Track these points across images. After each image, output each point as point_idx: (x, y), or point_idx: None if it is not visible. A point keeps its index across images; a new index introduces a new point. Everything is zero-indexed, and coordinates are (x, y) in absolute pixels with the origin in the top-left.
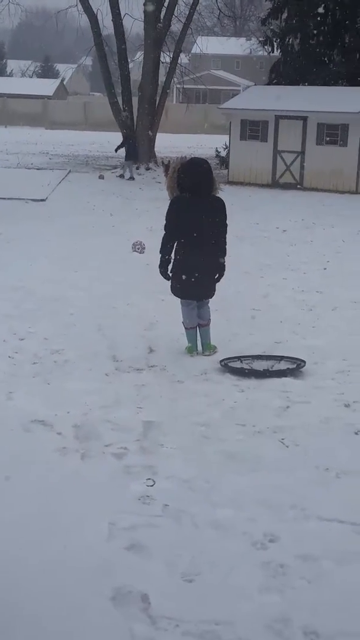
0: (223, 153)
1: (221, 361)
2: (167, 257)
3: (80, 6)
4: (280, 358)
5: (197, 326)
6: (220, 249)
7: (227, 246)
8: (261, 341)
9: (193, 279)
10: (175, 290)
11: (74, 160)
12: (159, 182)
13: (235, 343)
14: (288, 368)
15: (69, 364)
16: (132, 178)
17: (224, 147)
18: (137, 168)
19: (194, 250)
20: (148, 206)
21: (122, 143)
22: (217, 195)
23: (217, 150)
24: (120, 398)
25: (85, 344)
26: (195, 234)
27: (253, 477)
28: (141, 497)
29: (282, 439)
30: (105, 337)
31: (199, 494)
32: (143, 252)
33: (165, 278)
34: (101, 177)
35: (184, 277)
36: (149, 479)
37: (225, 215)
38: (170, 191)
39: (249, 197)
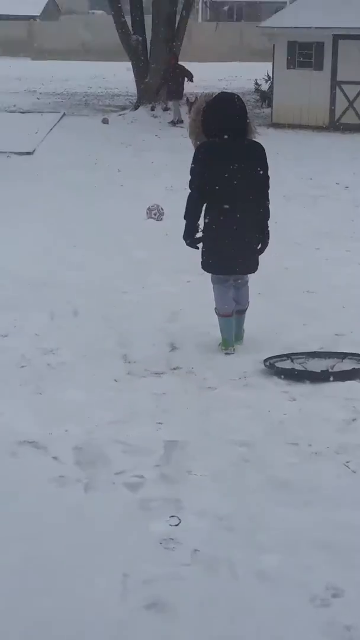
0: (265, 87)
1: (266, 360)
2: (194, 222)
3: None
4: (344, 355)
5: (235, 313)
6: (262, 208)
7: (270, 205)
8: (318, 333)
9: (229, 249)
10: (206, 265)
11: (69, 100)
12: (181, 127)
13: (283, 336)
14: (354, 369)
15: (67, 367)
16: (180, 121)
17: (266, 78)
18: (152, 109)
19: (229, 211)
20: (167, 159)
21: (162, 80)
22: (254, 139)
23: (256, 83)
24: (135, 411)
25: (88, 340)
26: (229, 190)
27: (309, 513)
28: (163, 541)
29: (347, 462)
30: (113, 331)
31: (239, 535)
32: (161, 219)
33: (193, 247)
34: (105, 121)
35: (216, 246)
36: (173, 516)
37: (267, 164)
38: (195, 137)
39: (299, 144)
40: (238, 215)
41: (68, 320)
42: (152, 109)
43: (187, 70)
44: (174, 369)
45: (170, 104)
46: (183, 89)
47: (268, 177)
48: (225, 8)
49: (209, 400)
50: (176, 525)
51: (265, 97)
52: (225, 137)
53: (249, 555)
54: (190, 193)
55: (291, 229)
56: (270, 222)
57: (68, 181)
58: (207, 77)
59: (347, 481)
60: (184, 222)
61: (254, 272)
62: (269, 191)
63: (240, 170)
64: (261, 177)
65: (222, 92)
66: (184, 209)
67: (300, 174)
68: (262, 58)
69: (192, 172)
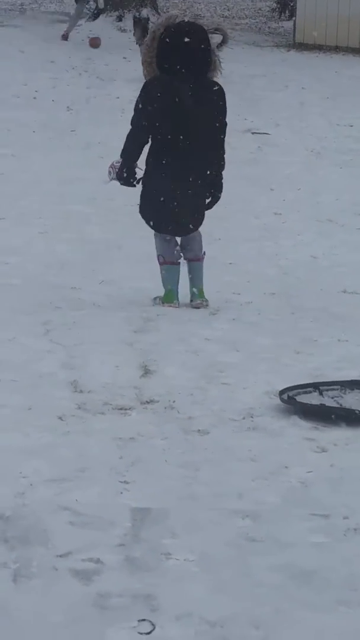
0: None
1: (282, 392)
2: (130, 164)
3: None
4: None
5: (188, 261)
6: (214, 157)
7: (224, 156)
8: (359, 353)
9: (167, 205)
10: (142, 214)
11: None
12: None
13: (309, 357)
14: None
15: None
16: (64, 36)
17: None
18: (119, 19)
19: (172, 161)
20: (137, 91)
21: None
22: (214, 79)
23: None
24: (88, 464)
25: (20, 359)
26: (174, 136)
27: (344, 617)
28: None
29: None
30: (57, 345)
31: None
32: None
33: (128, 186)
34: (65, 37)
35: (153, 199)
36: (144, 620)
37: (225, 108)
38: (147, 68)
39: (335, 75)
40: (182, 167)
41: None
42: (119, 18)
43: None
44: (147, 402)
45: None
46: None
47: (225, 124)
48: None
49: (197, 450)
50: (148, 633)
51: (286, 5)
52: (178, 73)
53: None
54: (130, 130)
55: (322, 199)
56: (292, 183)
57: None
58: None
59: None
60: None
61: (198, 229)
62: (225, 139)
63: (190, 115)
64: (216, 122)
65: (182, 21)
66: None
67: (336, 120)
68: None
69: (135, 108)
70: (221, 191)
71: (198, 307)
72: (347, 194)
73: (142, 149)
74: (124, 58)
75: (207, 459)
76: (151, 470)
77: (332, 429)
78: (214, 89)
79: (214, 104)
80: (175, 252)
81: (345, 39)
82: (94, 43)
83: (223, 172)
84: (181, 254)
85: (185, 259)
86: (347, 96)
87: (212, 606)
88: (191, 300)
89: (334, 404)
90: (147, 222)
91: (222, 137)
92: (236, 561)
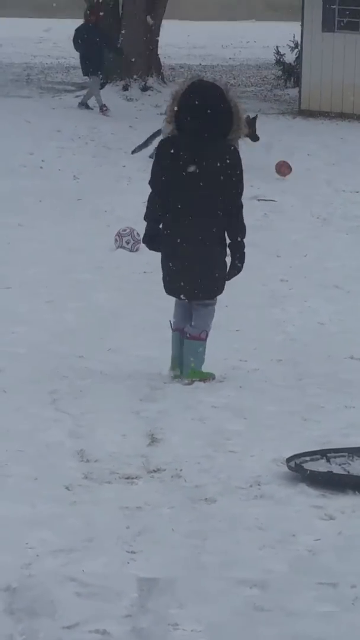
0: (290, 57)
1: (290, 460)
2: (151, 226)
3: None
4: None
5: (186, 335)
6: (230, 223)
7: (244, 223)
8: None
9: (174, 266)
10: (163, 281)
11: (4, 71)
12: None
13: (316, 424)
14: None
15: None
16: (104, 107)
17: (291, 46)
18: (125, 88)
19: (180, 223)
20: (146, 161)
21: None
22: (233, 143)
23: (277, 52)
24: (95, 534)
25: (27, 428)
26: (183, 197)
27: None
28: None
29: None
30: (64, 414)
31: None
32: (137, 249)
33: (152, 249)
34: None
35: (164, 260)
36: None
37: (240, 173)
38: (167, 128)
39: (340, 142)
40: (191, 229)
41: None
42: (125, 88)
43: (107, 36)
44: (154, 471)
45: (89, 80)
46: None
47: (241, 189)
48: None
49: (204, 519)
50: None
51: (291, 73)
52: (193, 133)
53: None
54: (150, 193)
55: (328, 266)
56: (299, 250)
57: (0, 192)
58: (205, 42)
59: None
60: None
61: (210, 298)
62: (242, 207)
63: (200, 176)
64: (232, 188)
65: (198, 81)
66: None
67: (342, 186)
68: (286, 16)
69: (152, 169)
70: (243, 261)
71: (189, 380)
72: (354, 260)
73: (162, 210)
74: (130, 127)
75: (215, 528)
76: (158, 540)
77: (340, 497)
78: (227, 151)
79: (224, 168)
80: (181, 319)
81: (351, 105)
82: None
83: (244, 240)
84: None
85: (187, 332)
86: (352, 162)
87: None
88: (182, 374)
89: (342, 471)
90: (164, 286)
91: (236, 202)
92: (244, 631)
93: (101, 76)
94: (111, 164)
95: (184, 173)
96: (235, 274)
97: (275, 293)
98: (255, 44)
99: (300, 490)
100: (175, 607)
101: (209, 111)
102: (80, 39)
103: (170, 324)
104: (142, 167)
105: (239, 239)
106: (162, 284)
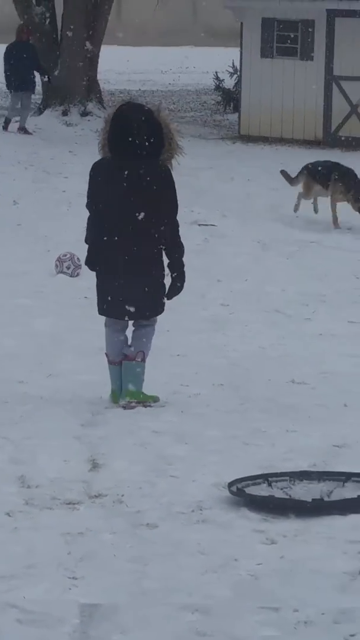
0: (229, 82)
1: (231, 484)
2: (91, 248)
3: None
4: (346, 477)
5: (123, 355)
6: (169, 244)
7: (181, 242)
8: (308, 444)
9: (110, 286)
10: (97, 303)
11: None
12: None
13: (257, 448)
14: None
15: None
16: (22, 128)
17: (231, 70)
18: (65, 113)
19: (115, 243)
20: (84, 185)
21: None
22: (165, 163)
23: (217, 78)
24: (36, 560)
25: None
26: (117, 219)
27: None
28: None
29: (352, 636)
30: (4, 439)
31: None
32: (77, 274)
33: (93, 270)
34: (4, 127)
35: (99, 281)
36: None
37: (174, 192)
38: (101, 151)
39: (280, 167)
40: (127, 250)
41: None
42: (65, 113)
43: (37, 56)
44: (96, 496)
45: (12, 95)
46: (34, 76)
47: (175, 207)
48: None
49: (146, 545)
50: None
51: (230, 98)
52: (126, 155)
53: None
54: (88, 215)
55: (269, 290)
56: (239, 274)
57: None
58: (145, 67)
59: None
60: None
61: (148, 318)
62: (178, 226)
63: (132, 198)
64: (161, 208)
65: (127, 104)
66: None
67: (283, 211)
68: (225, 42)
69: (87, 192)
70: (183, 280)
71: (125, 408)
72: (294, 284)
73: (100, 232)
74: (70, 152)
75: (156, 553)
76: (100, 566)
77: (282, 521)
78: (159, 171)
79: (157, 187)
80: (117, 350)
81: (291, 131)
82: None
83: (182, 259)
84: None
85: (122, 352)
86: (293, 189)
87: None
88: (120, 397)
89: (284, 495)
90: (98, 309)
91: (171, 221)
92: None
93: (27, 94)
94: (51, 188)
95: (118, 194)
96: (176, 294)
97: (216, 317)
98: (195, 70)
99: (242, 514)
100: (117, 633)
101: (139, 132)
102: (10, 55)
103: (107, 356)
104: (82, 192)
105: (178, 258)
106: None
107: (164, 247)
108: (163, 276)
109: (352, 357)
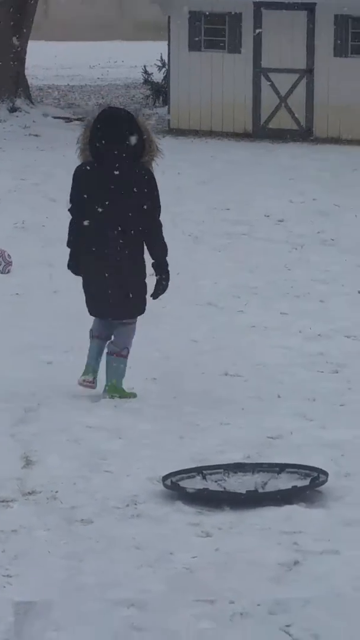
0: (158, 76)
1: (165, 478)
2: (73, 249)
3: None
4: (280, 468)
5: (106, 355)
6: (154, 244)
7: (165, 241)
8: (242, 436)
9: (94, 287)
10: (86, 303)
11: None
12: (36, 135)
13: (191, 441)
14: (295, 487)
15: None
16: None
17: (159, 64)
18: None
19: (99, 245)
20: (15, 182)
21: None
22: (147, 165)
23: (145, 72)
24: None
25: None
26: (100, 221)
27: None
28: None
29: (287, 627)
30: None
31: None
32: (8, 271)
33: (75, 274)
34: None
35: (84, 281)
36: None
37: (157, 193)
38: (81, 155)
39: (209, 160)
40: (109, 251)
41: None
42: None
43: None
44: (29, 493)
45: None
46: None
47: (157, 207)
48: None
49: (81, 541)
50: None
51: (159, 92)
52: (107, 158)
53: None
54: (70, 219)
55: (201, 283)
56: (171, 268)
57: None
58: (73, 62)
59: None
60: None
61: (130, 318)
62: (161, 226)
63: (115, 200)
64: (144, 209)
65: (108, 108)
66: (41, 257)
67: (213, 204)
68: (152, 35)
69: (70, 195)
70: (168, 279)
71: (110, 396)
72: (226, 277)
73: (83, 235)
74: (0, 148)
75: (91, 549)
76: (34, 563)
77: (216, 513)
78: (141, 173)
79: (140, 189)
80: (105, 329)
81: (220, 124)
82: None
83: (166, 258)
84: (110, 338)
85: (106, 351)
86: (222, 180)
87: None
88: (104, 391)
89: (218, 488)
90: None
91: (154, 221)
92: None
93: None
94: None
95: (102, 196)
96: (162, 292)
97: (149, 311)
98: (123, 64)
99: (176, 508)
100: (52, 629)
101: (121, 136)
102: None
103: (90, 333)
104: (12, 188)
105: (162, 257)
106: (32, 307)
107: (147, 247)
108: (145, 276)
109: (284, 348)
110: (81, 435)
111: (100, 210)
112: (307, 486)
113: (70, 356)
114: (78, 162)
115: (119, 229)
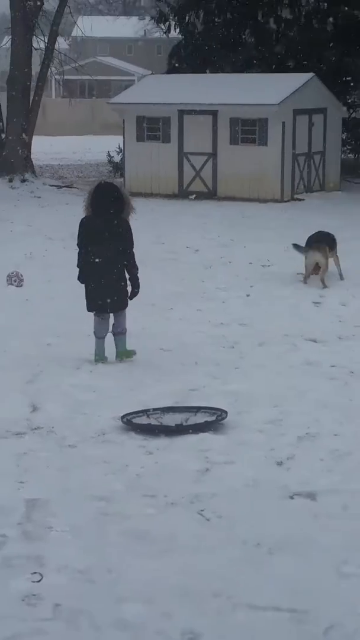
0: (117, 158)
1: (123, 417)
2: (81, 268)
3: None
4: (197, 409)
5: (113, 335)
6: (127, 265)
7: (136, 264)
8: (172, 389)
9: (94, 291)
10: (87, 303)
11: None
12: (38, 197)
13: (140, 393)
14: (206, 421)
15: None
16: None
17: (118, 150)
18: (10, 180)
19: (97, 265)
20: (26, 227)
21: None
22: (126, 218)
23: (109, 155)
24: None
25: None
26: (97, 250)
27: (167, 561)
28: (25, 597)
29: (201, 511)
30: None
31: (100, 587)
32: (21, 285)
33: (82, 283)
34: None
35: (87, 288)
36: (35, 572)
37: (129, 235)
38: (85, 211)
39: (151, 211)
40: (103, 268)
41: None
42: (10, 180)
43: None
44: (35, 429)
45: None
46: None
47: (129, 244)
48: (79, 85)
49: (68, 458)
50: (38, 581)
51: (118, 168)
52: (101, 214)
53: (109, 606)
54: (79, 251)
55: (146, 290)
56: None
57: None
58: (62, 149)
59: (202, 529)
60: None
61: (119, 311)
62: (134, 255)
63: (107, 238)
64: (122, 244)
65: (103, 182)
66: (43, 276)
67: (153, 239)
68: (113, 132)
69: (78, 237)
70: (138, 287)
71: (121, 360)
72: (162, 286)
73: (86, 260)
74: (15, 206)
75: (75, 464)
76: (38, 473)
77: (156, 439)
78: (121, 223)
79: (122, 232)
80: (103, 330)
81: (158, 188)
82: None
83: (137, 275)
84: (108, 331)
85: (111, 332)
86: (160, 224)
87: (81, 560)
88: (116, 358)
89: (157, 422)
90: (87, 307)
91: (130, 252)
92: (96, 529)
93: None
94: (2, 230)
95: (99, 237)
96: (135, 296)
97: None
98: (94, 150)
99: (130, 436)
100: (50, 516)
101: (111, 199)
102: None
103: (95, 334)
104: (23, 231)
105: (134, 274)
106: (36, 308)
107: (126, 268)
108: (127, 284)
109: (199, 332)
110: (68, 391)
111: (99, 245)
112: (214, 421)
113: (62, 340)
114: (68, 215)
115: (111, 256)
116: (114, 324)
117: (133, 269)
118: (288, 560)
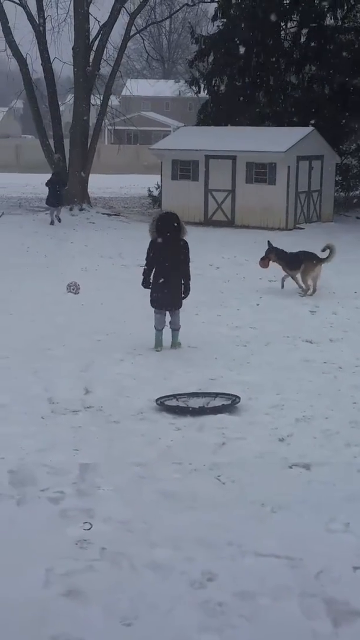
0: (156, 192)
1: (157, 400)
2: (146, 280)
3: (9, 50)
4: (216, 395)
5: (172, 330)
6: (184, 275)
7: (190, 275)
8: (196, 378)
9: (160, 295)
10: (151, 303)
11: (6, 202)
12: (93, 223)
13: (171, 381)
14: (223, 404)
15: (4, 408)
16: (51, 223)
17: (157, 186)
18: (71, 209)
19: (163, 275)
20: (82, 247)
21: (48, 182)
22: (184, 238)
23: (149, 190)
24: (57, 441)
25: (21, 387)
26: (164, 264)
27: (190, 516)
28: (78, 542)
29: (219, 476)
30: (40, 379)
31: (137, 535)
32: (78, 293)
33: (147, 289)
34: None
35: (154, 292)
36: (86, 522)
37: (187, 253)
38: (151, 234)
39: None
40: (168, 278)
41: (4, 372)
42: (71, 209)
43: (63, 183)
44: (88, 407)
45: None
46: (59, 197)
47: (187, 259)
48: (126, 134)
49: (114, 432)
50: (88, 529)
51: (156, 201)
52: (165, 236)
53: (144, 550)
54: (145, 264)
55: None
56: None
57: (6, 264)
58: (112, 185)
59: (219, 491)
60: (142, 277)
61: (175, 310)
62: (189, 269)
63: (171, 255)
64: (183, 259)
65: (166, 211)
66: (95, 285)
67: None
68: (153, 172)
69: (147, 256)
70: (188, 292)
71: (175, 348)
72: (191, 297)
73: (151, 273)
74: (74, 230)
75: (119, 437)
76: (90, 443)
77: (183, 419)
78: (182, 243)
79: (181, 251)
80: (162, 324)
81: (187, 217)
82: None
83: (190, 282)
84: (167, 325)
85: (170, 327)
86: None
87: (121, 513)
88: (171, 346)
89: (184, 405)
90: (152, 305)
91: (187, 266)
92: (134, 489)
93: (58, 208)
94: (64, 247)
95: (164, 255)
96: (186, 297)
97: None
98: (138, 186)
99: (163, 415)
100: (98, 477)
101: (174, 225)
102: (49, 184)
103: (155, 327)
104: (81, 251)
105: (188, 284)
106: (89, 312)
107: (182, 277)
108: (182, 290)
109: (218, 333)
110: (114, 378)
111: (164, 262)
112: (230, 404)
113: (110, 337)
114: (116, 237)
115: (173, 270)
116: (171, 322)
117: (187, 279)
118: (287, 518)
